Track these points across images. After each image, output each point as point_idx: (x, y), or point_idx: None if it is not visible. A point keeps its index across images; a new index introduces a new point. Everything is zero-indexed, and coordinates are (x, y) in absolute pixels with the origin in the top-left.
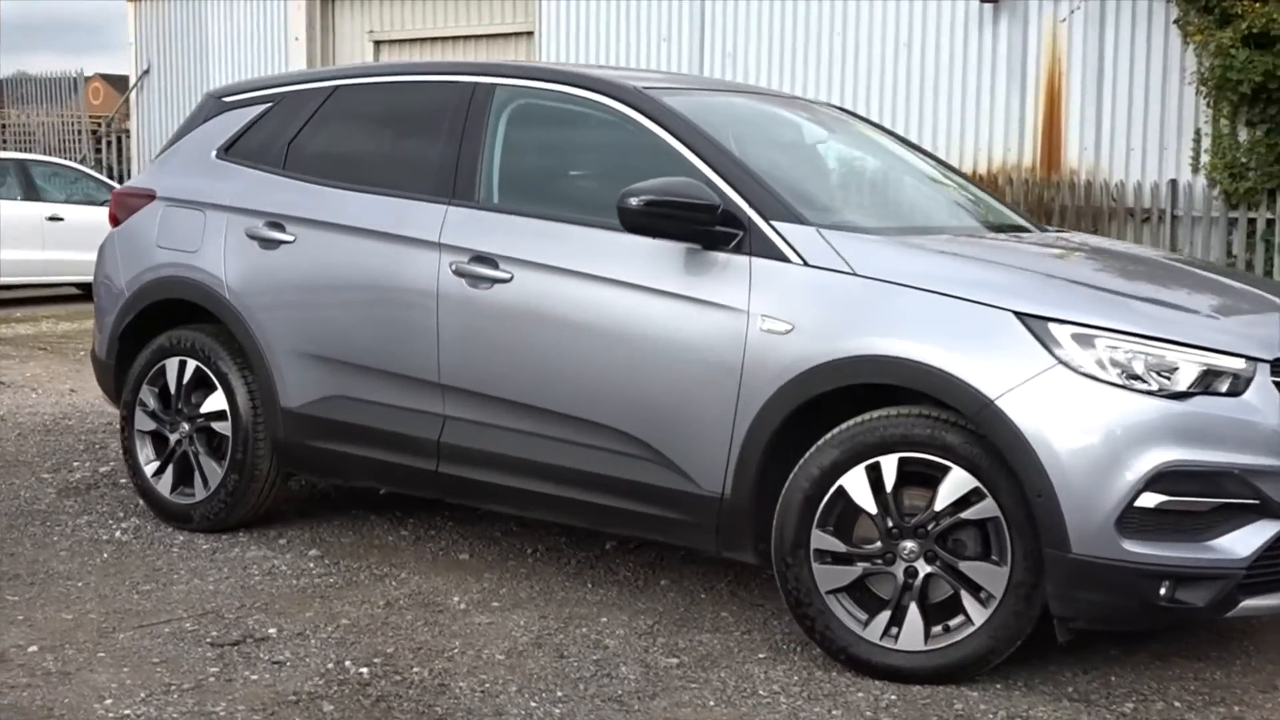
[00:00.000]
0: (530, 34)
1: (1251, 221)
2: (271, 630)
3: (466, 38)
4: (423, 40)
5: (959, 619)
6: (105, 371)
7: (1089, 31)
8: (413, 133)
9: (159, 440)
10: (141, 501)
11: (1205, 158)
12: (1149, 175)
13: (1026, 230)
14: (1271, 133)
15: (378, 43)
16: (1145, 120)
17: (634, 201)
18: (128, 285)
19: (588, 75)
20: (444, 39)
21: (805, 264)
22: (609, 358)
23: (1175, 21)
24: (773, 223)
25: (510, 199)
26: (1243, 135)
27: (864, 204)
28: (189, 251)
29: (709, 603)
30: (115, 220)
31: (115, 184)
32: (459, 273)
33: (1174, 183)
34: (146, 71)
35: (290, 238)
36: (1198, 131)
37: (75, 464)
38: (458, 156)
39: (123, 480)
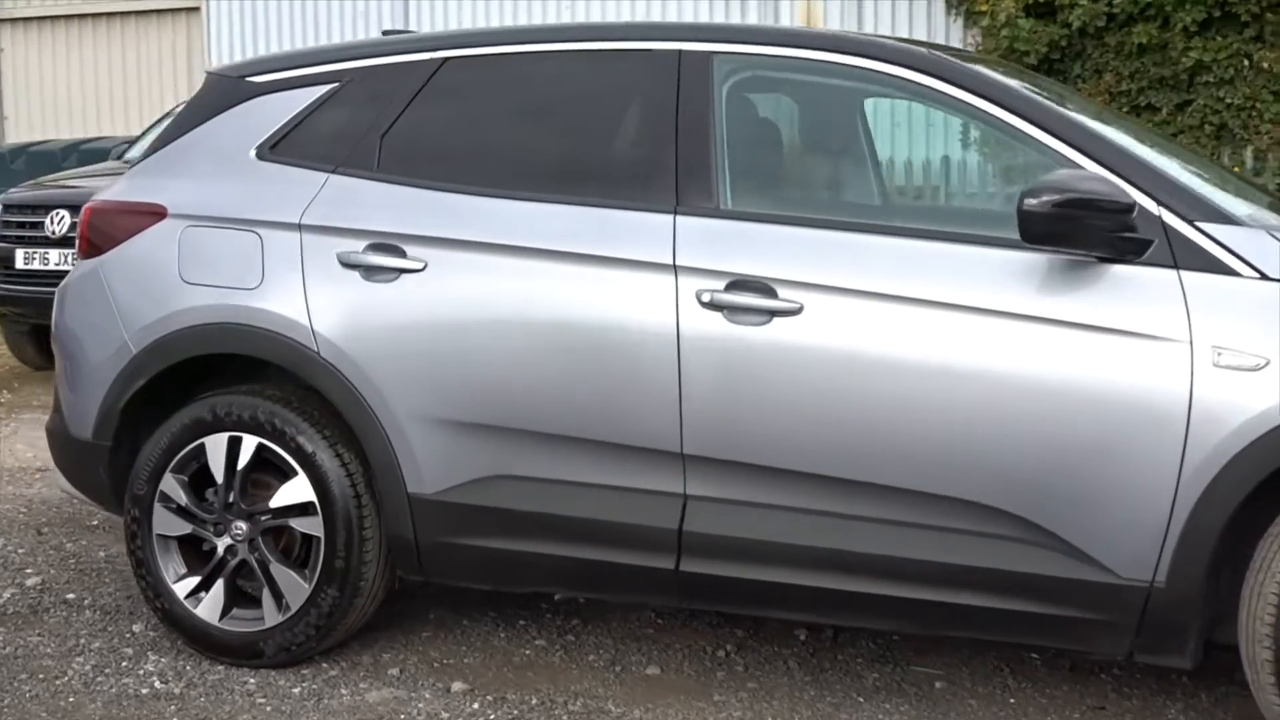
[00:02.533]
0: (195, 9)
1: None
2: None
3: (110, 15)
4: (53, 19)
5: None
6: (89, 456)
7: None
8: (585, 119)
9: (193, 548)
10: (165, 631)
11: None
12: (917, 153)
13: None
14: None
15: None
16: None
17: (1040, 203)
18: (135, 338)
19: (869, 42)
20: (78, 16)
21: (1264, 277)
22: (968, 412)
23: None
24: (1198, 224)
25: (761, 203)
26: None
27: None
28: (244, 289)
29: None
30: (91, 247)
31: None
32: (713, 304)
33: (947, 159)
34: None
35: (416, 264)
36: None
37: None
38: (675, 149)
39: (70, 595)
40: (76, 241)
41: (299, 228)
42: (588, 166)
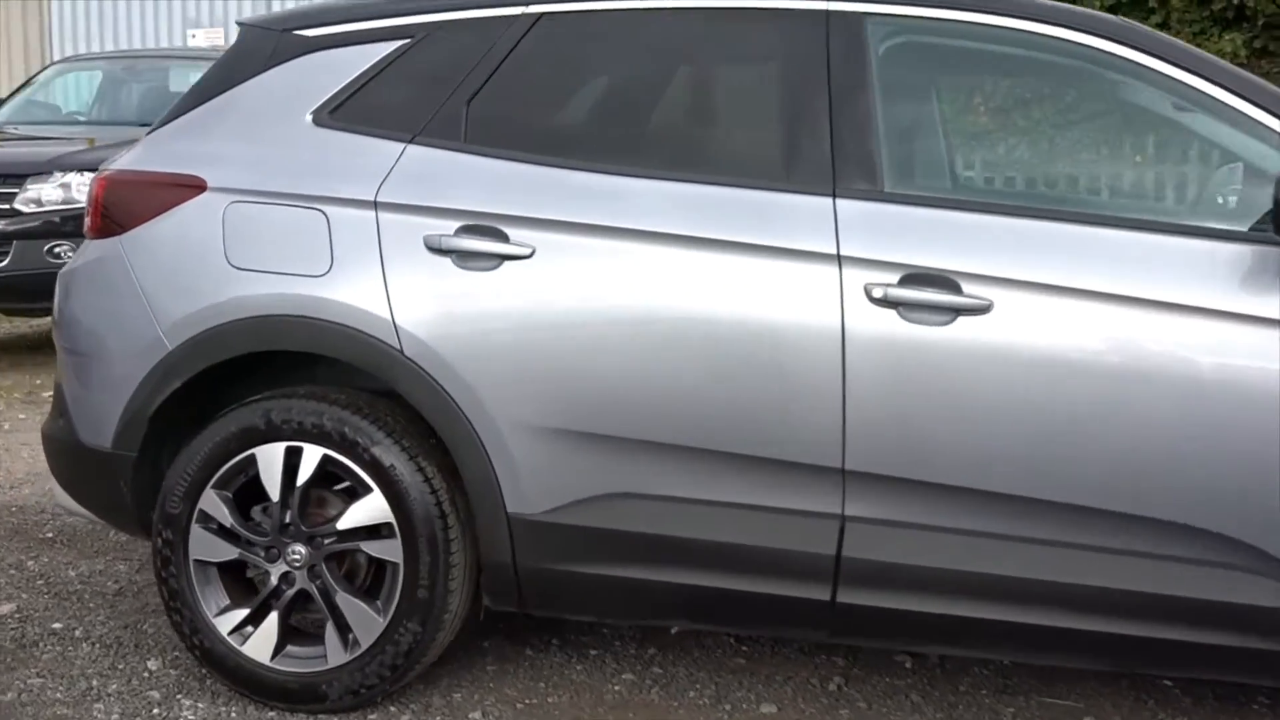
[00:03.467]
0: None
1: None
2: None
3: None
4: None
5: None
6: (106, 469)
7: None
8: (717, 87)
9: (236, 576)
10: (187, 669)
11: None
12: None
13: None
14: None
15: None
16: None
17: None
18: (172, 332)
19: (1053, 7)
20: None
21: None
22: (1199, 429)
23: None
24: None
25: (930, 185)
26: None
27: None
28: (309, 275)
29: None
30: (107, 225)
31: None
32: (886, 300)
33: (1145, 140)
34: None
35: (522, 249)
36: None
37: None
38: (830, 123)
39: (57, 625)
40: (86, 219)
41: (374, 205)
42: (719, 141)
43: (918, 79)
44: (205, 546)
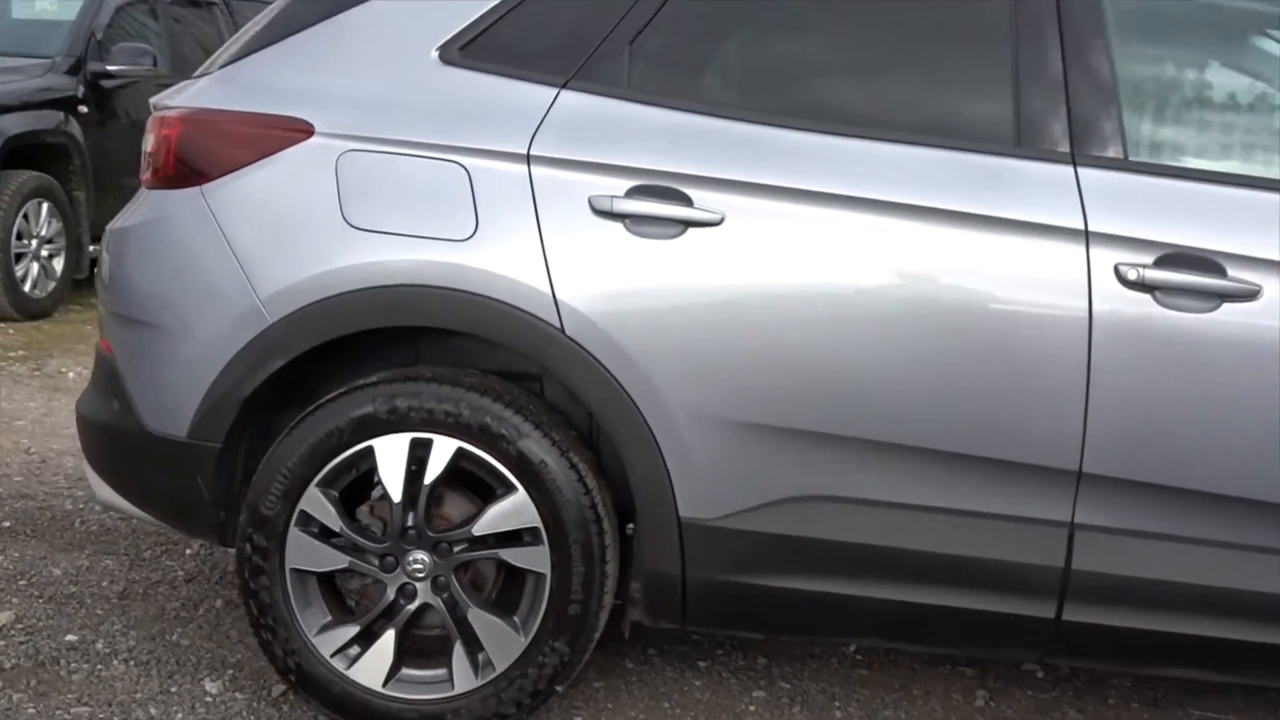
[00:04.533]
0: None
1: None
2: None
3: None
4: None
5: None
6: (180, 461)
7: None
8: (929, 37)
9: (334, 588)
10: (253, 689)
11: None
12: None
13: None
14: None
15: None
16: None
17: None
18: (274, 302)
19: None
20: None
21: None
22: None
23: None
24: None
25: (1177, 155)
26: None
27: None
28: (450, 240)
29: None
30: (178, 174)
31: None
32: (1141, 283)
33: None
34: None
35: (710, 215)
36: None
37: None
38: (1064, 83)
39: (71, 638)
40: (149, 163)
41: (527, 159)
42: (938, 97)
43: (1161, 32)
44: (307, 554)
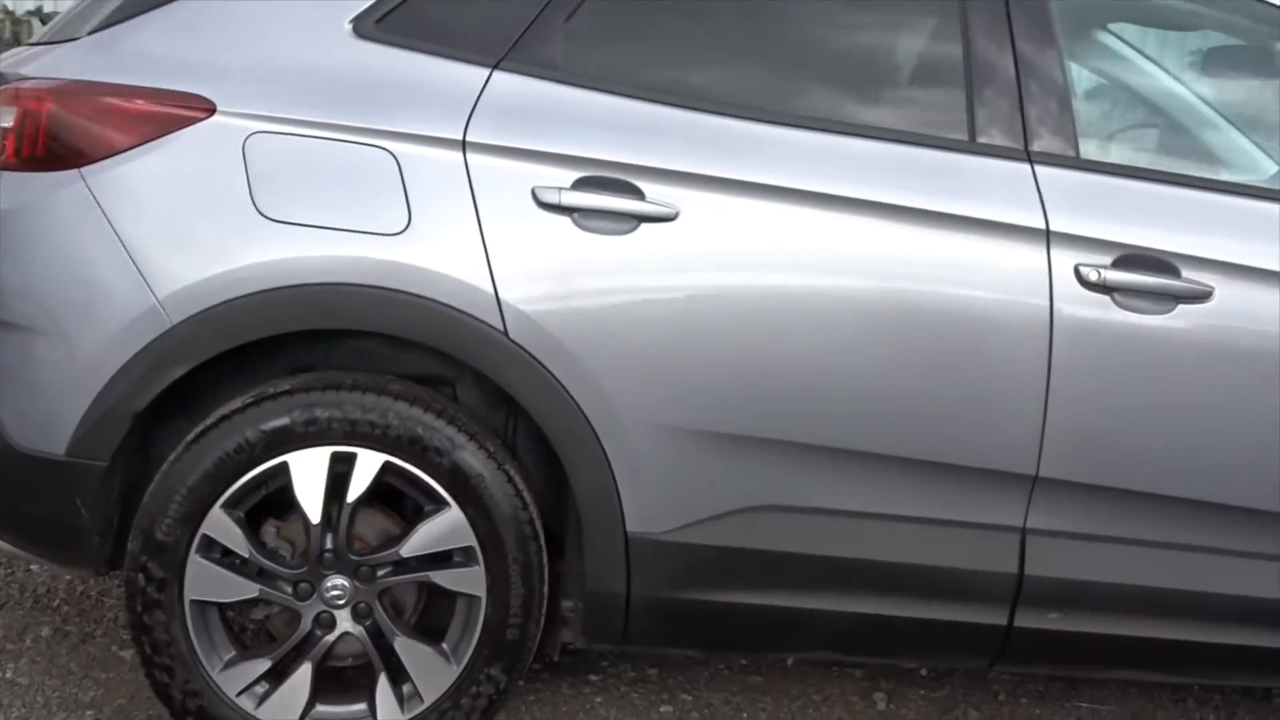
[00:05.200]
0: None
1: None
2: None
3: None
4: None
5: None
6: (55, 483)
7: None
8: (882, 25)
9: (238, 618)
10: None
11: None
12: None
13: None
14: None
15: None
16: None
17: None
18: (175, 301)
19: None
20: None
21: None
22: None
23: None
24: None
25: (1127, 153)
26: None
27: None
28: (380, 234)
29: None
30: (47, 155)
31: None
32: (1101, 284)
33: None
34: None
35: (663, 209)
36: None
37: None
38: (1016, 74)
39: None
40: (6, 142)
41: (463, 146)
42: (892, 88)
43: (1108, 31)
44: (210, 583)
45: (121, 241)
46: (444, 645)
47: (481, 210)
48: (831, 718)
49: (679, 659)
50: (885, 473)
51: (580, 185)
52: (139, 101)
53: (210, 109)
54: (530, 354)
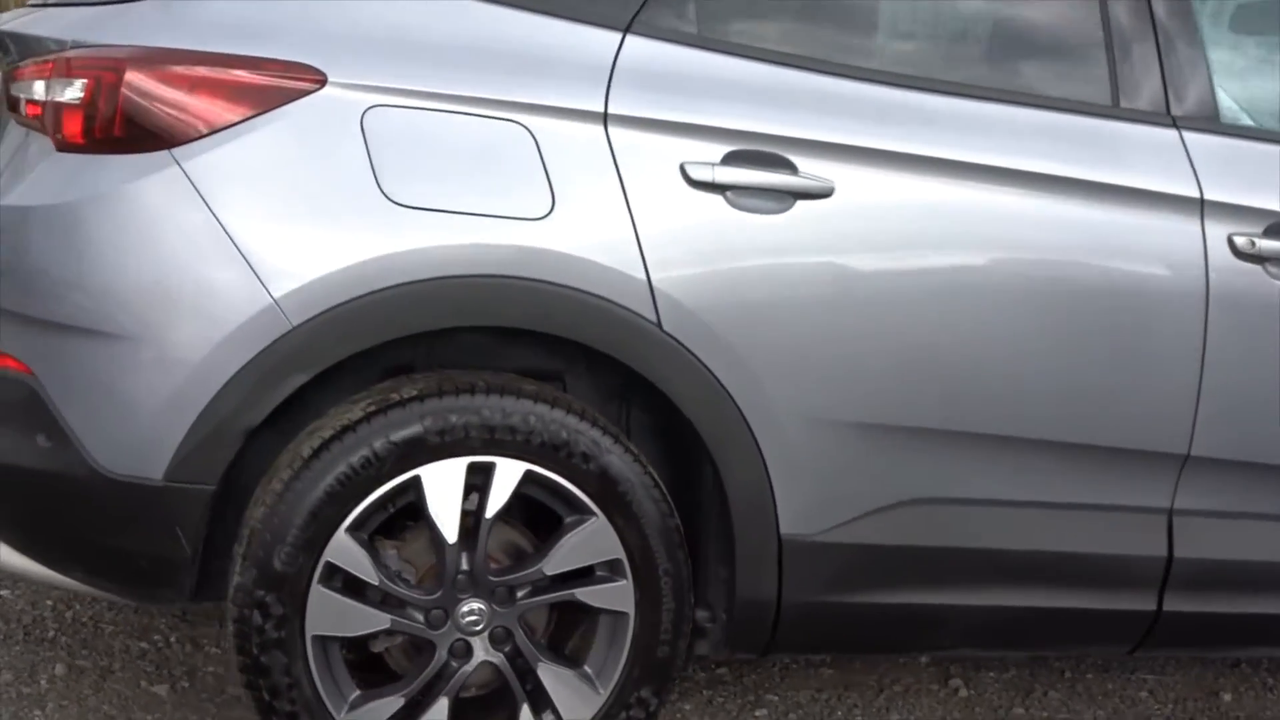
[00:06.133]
0: None
1: None
2: None
3: None
4: None
5: None
6: (149, 510)
7: None
8: None
9: (365, 650)
10: None
11: None
12: None
13: None
14: None
15: None
16: None
17: None
18: (296, 301)
19: None
20: None
21: None
22: None
23: None
24: None
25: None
26: None
27: None
28: (522, 218)
29: None
30: (128, 135)
31: None
32: (1252, 254)
33: None
34: None
35: (818, 184)
36: None
37: None
38: (1154, 34)
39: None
40: (71, 119)
41: (604, 119)
42: (1034, 52)
43: None
44: (334, 616)
45: (227, 233)
46: (586, 668)
47: (629, 190)
48: (920, 707)
49: (739, 657)
50: (1038, 459)
51: (730, 160)
52: (238, 71)
53: (320, 80)
54: (685, 347)
